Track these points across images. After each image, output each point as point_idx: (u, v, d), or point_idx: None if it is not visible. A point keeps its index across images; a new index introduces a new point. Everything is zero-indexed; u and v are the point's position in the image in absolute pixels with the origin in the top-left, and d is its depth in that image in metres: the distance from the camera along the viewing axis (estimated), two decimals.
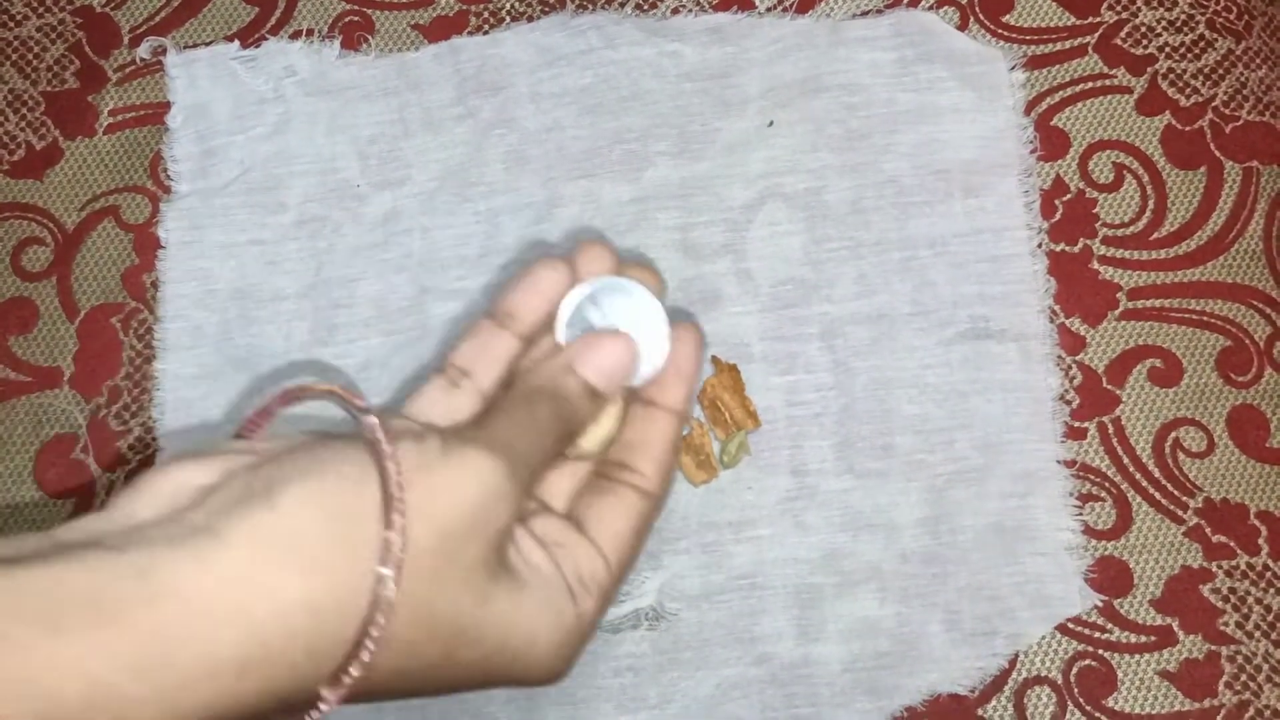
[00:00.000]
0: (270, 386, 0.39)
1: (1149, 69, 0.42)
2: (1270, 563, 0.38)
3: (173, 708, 0.22)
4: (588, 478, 0.33)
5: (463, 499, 0.26)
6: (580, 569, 0.30)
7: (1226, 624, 0.37)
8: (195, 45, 0.43)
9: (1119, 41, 0.42)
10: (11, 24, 0.43)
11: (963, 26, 0.42)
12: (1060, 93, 0.42)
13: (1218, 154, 0.41)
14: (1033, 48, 0.42)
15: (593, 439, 0.32)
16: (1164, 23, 0.42)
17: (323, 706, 0.24)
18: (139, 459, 0.39)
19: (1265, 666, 0.37)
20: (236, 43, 0.43)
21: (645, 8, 0.43)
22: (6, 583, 0.22)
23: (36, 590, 0.22)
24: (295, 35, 0.43)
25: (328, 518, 0.24)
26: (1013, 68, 0.42)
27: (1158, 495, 0.38)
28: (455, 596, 0.26)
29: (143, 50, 0.43)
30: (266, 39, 0.43)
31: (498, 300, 0.33)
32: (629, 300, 0.32)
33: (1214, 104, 0.42)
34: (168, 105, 0.42)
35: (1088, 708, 0.37)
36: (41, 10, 0.44)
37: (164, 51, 0.43)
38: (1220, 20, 0.42)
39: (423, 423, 0.30)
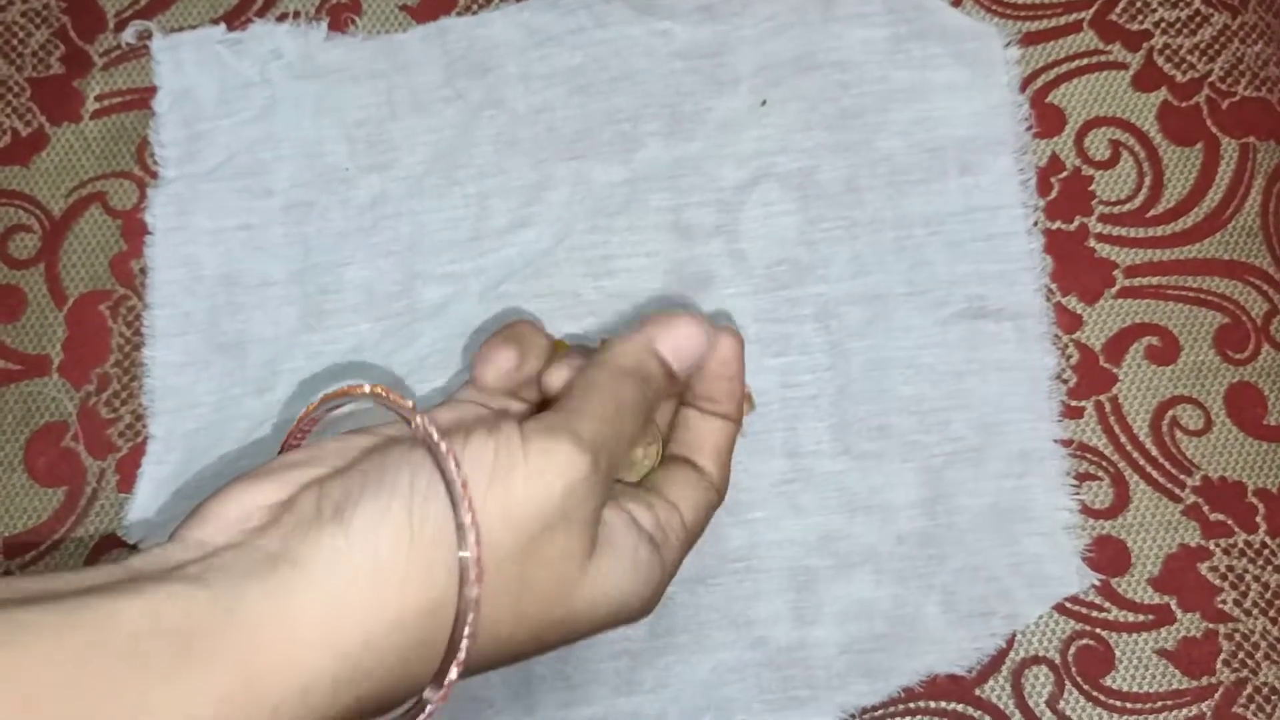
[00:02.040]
0: (271, 372, 0.39)
1: (1145, 44, 0.41)
2: (1268, 540, 0.38)
3: None
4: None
5: (546, 499, 0.26)
6: (660, 519, 0.30)
7: (1224, 602, 0.37)
8: (181, 29, 0.42)
9: (1114, 17, 0.42)
10: None
11: (956, 3, 0.42)
12: (1056, 69, 0.41)
13: (1214, 130, 0.41)
14: (1027, 24, 0.42)
15: (636, 471, 0.32)
16: None
17: (429, 708, 0.25)
18: (130, 446, 0.39)
19: (1263, 644, 0.37)
20: (222, 26, 0.42)
21: None
22: (90, 615, 0.21)
23: (123, 624, 0.21)
24: (281, 18, 0.42)
25: (402, 539, 0.24)
26: (1007, 44, 0.41)
27: (1155, 474, 0.38)
28: (542, 590, 0.26)
29: (128, 35, 0.42)
30: (252, 22, 0.42)
31: (472, 370, 0.33)
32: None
33: (1210, 80, 0.41)
34: (154, 90, 0.42)
35: (1086, 687, 0.37)
36: None
37: (149, 36, 0.42)
38: None
39: (497, 408, 0.30)
